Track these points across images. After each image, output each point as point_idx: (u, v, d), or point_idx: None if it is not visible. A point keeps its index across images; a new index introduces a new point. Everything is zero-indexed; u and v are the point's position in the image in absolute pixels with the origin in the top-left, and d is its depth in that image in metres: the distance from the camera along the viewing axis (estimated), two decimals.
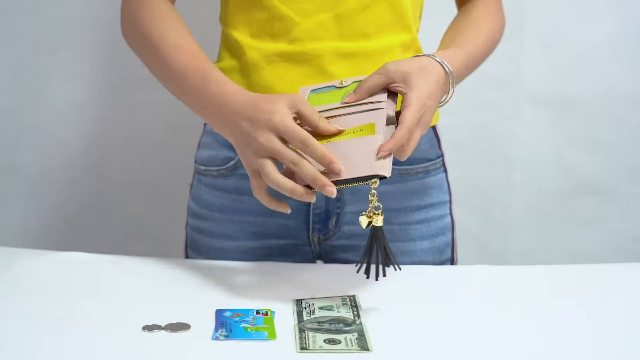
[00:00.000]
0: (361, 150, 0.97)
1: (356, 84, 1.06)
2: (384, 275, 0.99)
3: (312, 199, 0.96)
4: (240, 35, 1.16)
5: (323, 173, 0.96)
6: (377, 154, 0.95)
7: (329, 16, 1.13)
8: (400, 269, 0.99)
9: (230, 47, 1.19)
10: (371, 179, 0.94)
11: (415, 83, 1.01)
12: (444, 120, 1.30)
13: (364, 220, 0.97)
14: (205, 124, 1.27)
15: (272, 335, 0.92)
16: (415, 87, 1.01)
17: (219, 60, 1.22)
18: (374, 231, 0.98)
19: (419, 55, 1.08)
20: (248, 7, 1.15)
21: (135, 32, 1.15)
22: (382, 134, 0.98)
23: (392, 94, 1.04)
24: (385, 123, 1.00)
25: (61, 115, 1.71)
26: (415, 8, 1.21)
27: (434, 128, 1.25)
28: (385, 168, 0.95)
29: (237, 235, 1.22)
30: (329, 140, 0.99)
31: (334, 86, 1.08)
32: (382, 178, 0.95)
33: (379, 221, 0.97)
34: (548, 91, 1.75)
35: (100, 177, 1.75)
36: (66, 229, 1.77)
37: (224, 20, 1.20)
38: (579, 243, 1.81)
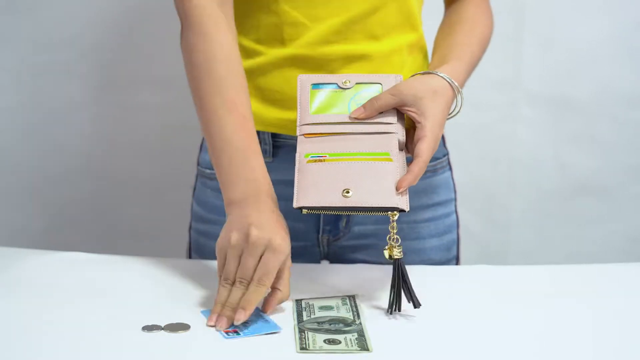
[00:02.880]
0: (378, 178, 0.97)
1: (360, 86, 1.06)
2: (399, 310, 0.99)
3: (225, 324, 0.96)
4: (245, 40, 1.15)
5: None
6: (398, 189, 0.96)
7: (340, 20, 1.12)
8: (420, 305, 0.98)
9: None
10: (391, 210, 0.96)
11: (430, 112, 1.02)
12: None
13: (386, 254, 0.99)
14: None
15: None
16: (430, 115, 1.01)
17: None
18: (396, 264, 0.99)
19: (427, 72, 1.07)
20: (255, 12, 1.14)
21: (190, 68, 1.09)
22: (396, 162, 0.99)
23: (400, 113, 1.04)
24: (397, 149, 1.00)
25: (61, 115, 1.71)
26: (420, 6, 1.21)
27: None
28: (404, 202, 0.96)
29: None
30: (342, 159, 0.99)
31: (336, 84, 1.07)
32: (401, 211, 0.96)
33: (397, 253, 0.98)
34: (547, 91, 1.75)
35: (100, 177, 1.75)
36: (66, 229, 1.77)
37: None
38: (579, 243, 1.81)
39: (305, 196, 0.97)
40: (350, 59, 1.14)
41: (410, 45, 1.18)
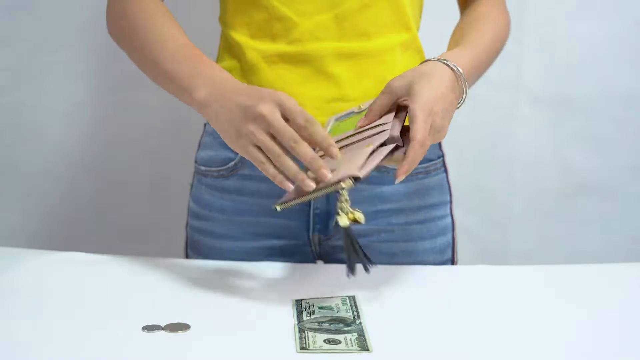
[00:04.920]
0: (349, 161, 0.96)
1: None
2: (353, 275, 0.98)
3: (312, 186, 0.94)
4: (240, 36, 1.17)
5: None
6: (396, 178, 0.95)
7: (328, 16, 1.13)
8: (370, 267, 0.98)
9: (230, 47, 1.19)
10: (345, 179, 0.92)
11: (418, 93, 1.00)
12: None
13: (342, 220, 0.96)
14: (205, 124, 1.27)
15: None
16: (418, 97, 0.99)
17: (218, 60, 1.22)
18: (345, 230, 0.97)
19: (424, 61, 1.07)
20: (247, 7, 1.15)
21: (123, 27, 1.15)
22: (373, 147, 0.97)
23: (403, 110, 1.03)
24: (380, 142, 0.98)
25: (61, 115, 1.71)
26: (415, 7, 1.21)
27: None
28: (361, 170, 0.93)
29: (237, 235, 1.22)
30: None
31: (353, 112, 1.08)
32: (356, 179, 0.92)
33: (344, 219, 0.96)
34: (548, 91, 1.75)
35: (100, 177, 1.75)
36: (66, 229, 1.76)
37: (224, 20, 1.20)
38: (579, 243, 1.81)
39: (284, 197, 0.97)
40: (342, 56, 1.14)
41: (404, 45, 1.18)
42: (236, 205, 1.21)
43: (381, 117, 1.03)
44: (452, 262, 1.27)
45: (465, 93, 1.06)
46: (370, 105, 1.04)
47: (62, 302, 1.01)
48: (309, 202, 1.18)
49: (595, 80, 1.74)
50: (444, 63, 1.05)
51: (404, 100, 1.02)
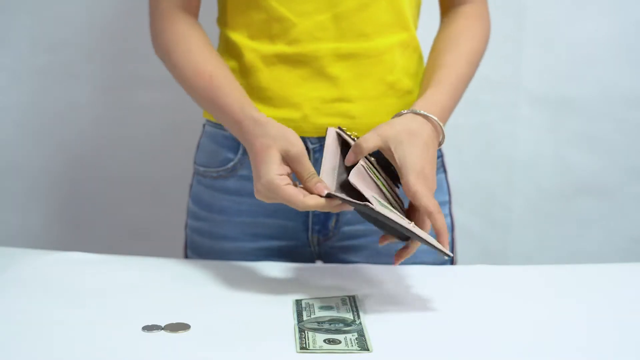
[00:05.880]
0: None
1: None
2: None
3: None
4: (239, 37, 1.16)
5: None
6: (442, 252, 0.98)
7: (327, 17, 1.13)
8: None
9: (228, 49, 1.19)
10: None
11: (408, 162, 1.00)
12: None
13: None
14: (204, 125, 1.27)
15: None
16: (409, 167, 1.00)
17: None
18: None
19: (406, 112, 1.06)
20: (246, 8, 1.15)
21: (161, 48, 1.18)
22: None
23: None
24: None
25: (61, 115, 1.71)
26: (413, 7, 1.20)
27: None
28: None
29: (237, 236, 1.22)
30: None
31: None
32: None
33: None
34: (547, 91, 1.75)
35: (100, 177, 1.75)
36: (66, 229, 1.77)
37: (222, 21, 1.20)
38: (579, 243, 1.81)
39: None
40: (340, 57, 1.14)
41: (403, 44, 1.18)
42: (235, 206, 1.21)
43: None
44: (451, 262, 1.27)
45: (443, 135, 1.08)
46: (360, 144, 1.02)
47: (62, 302, 1.00)
48: None
49: (595, 81, 1.74)
50: (423, 117, 1.05)
51: (390, 154, 1.02)
